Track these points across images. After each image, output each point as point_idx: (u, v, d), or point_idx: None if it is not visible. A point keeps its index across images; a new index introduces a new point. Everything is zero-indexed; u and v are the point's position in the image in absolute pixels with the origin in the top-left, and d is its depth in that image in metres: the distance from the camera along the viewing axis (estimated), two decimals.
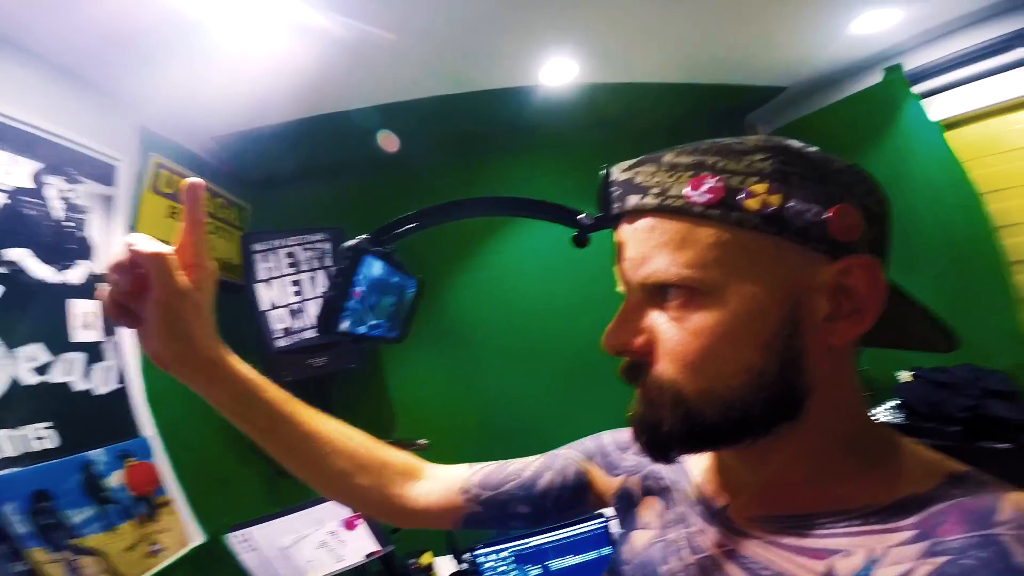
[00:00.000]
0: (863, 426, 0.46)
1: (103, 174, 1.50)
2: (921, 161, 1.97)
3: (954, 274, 1.92)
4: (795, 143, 0.43)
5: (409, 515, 0.68)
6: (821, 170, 0.42)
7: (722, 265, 0.41)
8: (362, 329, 0.60)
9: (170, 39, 1.36)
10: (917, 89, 1.96)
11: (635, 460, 0.65)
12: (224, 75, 1.56)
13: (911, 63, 1.97)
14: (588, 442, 0.71)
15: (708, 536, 0.50)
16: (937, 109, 1.94)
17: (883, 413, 1.90)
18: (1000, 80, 1.78)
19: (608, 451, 0.69)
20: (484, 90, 1.92)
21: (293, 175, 2.31)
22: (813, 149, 0.43)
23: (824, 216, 0.40)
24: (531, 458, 0.72)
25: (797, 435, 0.44)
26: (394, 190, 2.33)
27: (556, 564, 1.65)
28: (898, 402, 1.88)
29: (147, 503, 1.42)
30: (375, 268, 0.59)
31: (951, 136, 1.92)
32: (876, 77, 2.07)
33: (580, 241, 0.53)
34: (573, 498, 0.68)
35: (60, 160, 1.36)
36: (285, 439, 0.61)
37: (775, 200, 0.40)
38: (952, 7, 1.73)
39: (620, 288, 0.48)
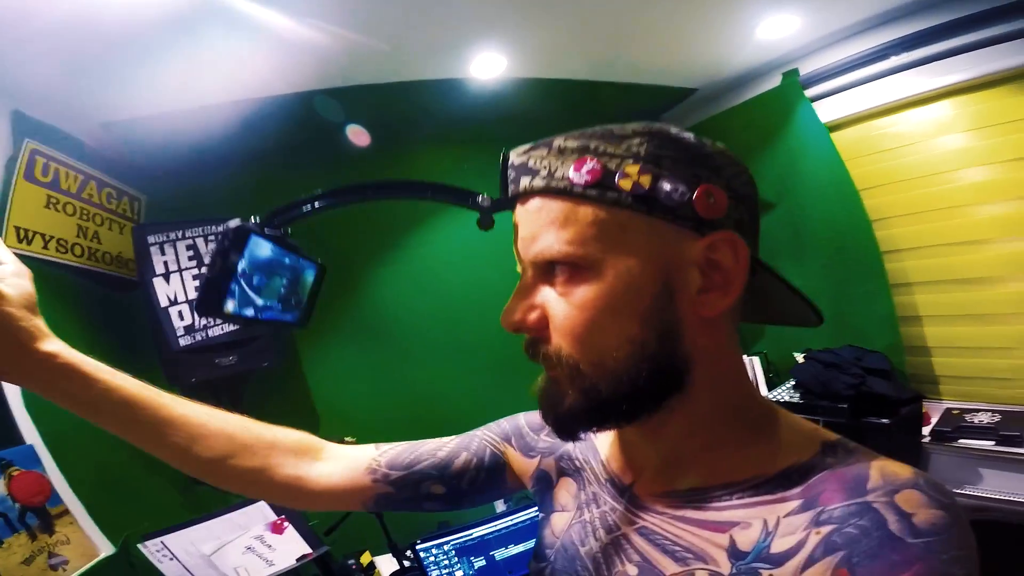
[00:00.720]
0: (746, 398, 0.50)
1: None
2: (810, 160, 2.14)
3: (838, 263, 2.12)
4: (672, 129, 0.46)
5: (308, 496, 0.65)
6: (692, 153, 0.45)
7: (600, 241, 0.44)
8: (250, 312, 0.57)
9: (51, 19, 1.23)
10: (810, 93, 2.12)
11: (550, 442, 0.66)
12: (113, 58, 1.42)
13: (806, 68, 2.12)
14: (505, 423, 0.72)
15: (619, 514, 0.53)
16: (825, 112, 2.11)
17: (783, 393, 2.07)
18: (877, 86, 1.97)
19: (523, 433, 0.70)
20: (412, 80, 1.89)
21: (197, 164, 2.14)
22: (688, 135, 0.46)
23: (690, 196, 0.43)
24: (446, 439, 0.71)
25: (686, 407, 0.47)
26: (310, 179, 2.22)
27: (500, 554, 1.66)
28: (794, 382, 2.05)
29: (39, 514, 1.31)
30: (263, 249, 0.57)
31: (835, 137, 2.09)
32: (777, 80, 2.21)
33: (484, 223, 0.54)
34: (489, 480, 0.68)
35: None
36: (150, 427, 0.56)
37: (645, 181, 0.43)
38: (843, 17, 1.90)
39: (518, 268, 0.50)
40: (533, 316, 0.47)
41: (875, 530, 0.36)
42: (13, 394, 1.36)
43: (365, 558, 1.90)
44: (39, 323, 0.51)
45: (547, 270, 0.47)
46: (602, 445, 0.60)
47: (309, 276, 0.66)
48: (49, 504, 1.35)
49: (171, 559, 1.48)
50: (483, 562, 1.64)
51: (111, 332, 1.83)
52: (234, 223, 0.53)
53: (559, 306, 0.46)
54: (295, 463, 0.64)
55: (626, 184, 0.43)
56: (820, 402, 1.89)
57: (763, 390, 2.23)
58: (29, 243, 1.51)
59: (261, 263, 0.56)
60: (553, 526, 0.61)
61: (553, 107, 2.28)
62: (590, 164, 0.44)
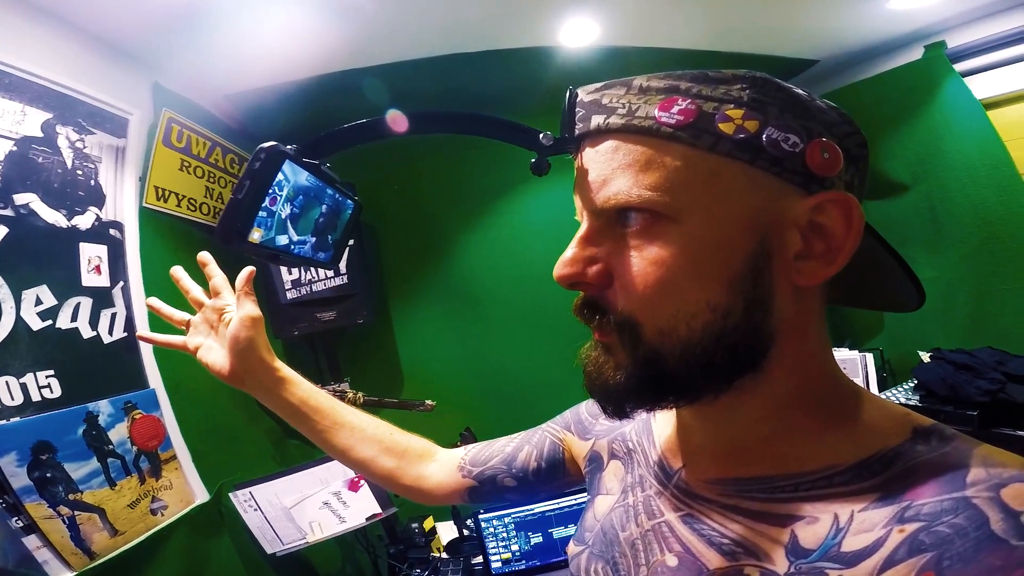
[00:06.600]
0: (828, 380, 0.42)
1: (116, 127, 1.46)
2: (958, 140, 1.85)
3: (984, 254, 1.81)
4: (776, 79, 0.39)
5: (425, 494, 0.74)
6: (802, 105, 0.38)
7: (689, 190, 0.37)
8: (282, 242, 0.49)
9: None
10: (958, 68, 1.85)
11: (607, 424, 0.63)
12: (235, 34, 1.48)
13: (951, 42, 1.87)
14: (567, 413, 0.71)
15: (664, 500, 0.47)
16: (978, 88, 1.83)
17: (898, 394, 1.83)
18: None
19: (582, 418, 0.68)
20: (501, 49, 1.79)
21: (307, 133, 2.26)
22: (796, 88, 0.39)
23: (803, 147, 0.37)
24: (515, 435, 0.74)
25: (760, 390, 0.40)
26: (409, 145, 2.22)
27: (558, 532, 1.65)
28: (915, 383, 1.80)
29: (151, 458, 1.36)
30: (300, 177, 0.49)
31: (991, 116, 1.81)
32: (913, 54, 1.95)
33: (539, 167, 0.46)
34: (550, 469, 0.68)
35: (72, 112, 1.30)
36: (326, 429, 0.69)
37: (751, 126, 0.37)
38: None
39: (577, 216, 0.44)
40: (593, 270, 0.41)
41: (973, 530, 0.29)
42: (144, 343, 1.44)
43: (428, 523, 1.91)
44: (267, 342, 0.65)
45: (617, 219, 0.40)
46: (658, 426, 0.55)
47: (347, 213, 0.60)
48: (161, 449, 1.39)
49: (255, 510, 1.53)
50: (540, 539, 1.64)
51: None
52: (268, 144, 0.46)
53: (630, 260, 0.39)
54: (417, 466, 0.73)
55: (727, 128, 0.37)
56: (944, 407, 1.63)
57: (873, 390, 2.00)
58: (165, 201, 1.61)
59: (298, 189, 0.49)
60: (596, 509, 0.57)
61: None
62: (682, 104, 0.38)
